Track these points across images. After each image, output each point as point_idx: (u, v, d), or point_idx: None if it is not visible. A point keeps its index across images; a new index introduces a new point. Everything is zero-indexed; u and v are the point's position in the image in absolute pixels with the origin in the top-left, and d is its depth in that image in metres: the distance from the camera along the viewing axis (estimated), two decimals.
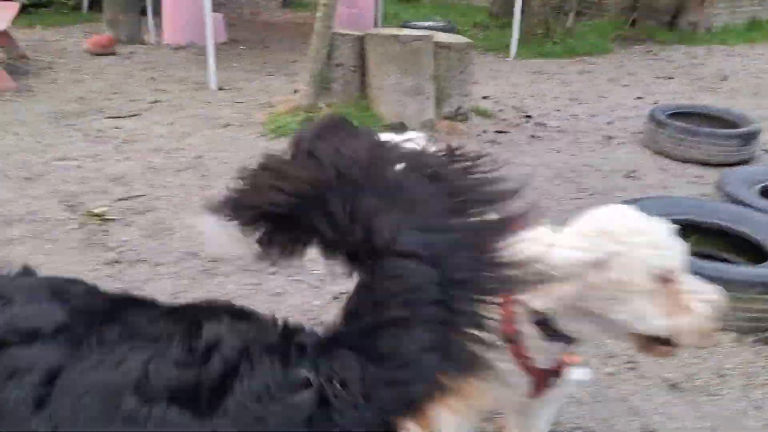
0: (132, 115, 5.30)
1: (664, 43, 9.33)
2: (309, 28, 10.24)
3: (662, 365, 2.38)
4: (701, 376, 2.34)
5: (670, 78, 7.40)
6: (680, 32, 9.71)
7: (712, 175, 4.45)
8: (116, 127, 4.98)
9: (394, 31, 4.99)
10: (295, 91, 6.08)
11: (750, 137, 4.65)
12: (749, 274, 2.59)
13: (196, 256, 3.15)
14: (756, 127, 4.71)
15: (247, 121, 5.19)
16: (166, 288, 2.88)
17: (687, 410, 2.16)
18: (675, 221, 3.11)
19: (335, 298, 2.84)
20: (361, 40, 4.96)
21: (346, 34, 4.95)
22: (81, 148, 4.51)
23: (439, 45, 5.01)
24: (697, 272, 2.63)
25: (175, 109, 5.56)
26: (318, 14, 4.80)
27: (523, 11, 8.07)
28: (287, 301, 2.80)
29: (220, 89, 6.22)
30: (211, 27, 6.06)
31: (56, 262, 3.01)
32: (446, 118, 5.20)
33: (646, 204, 3.19)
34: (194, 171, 4.17)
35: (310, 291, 2.90)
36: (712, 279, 2.56)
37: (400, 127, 4.93)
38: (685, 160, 4.70)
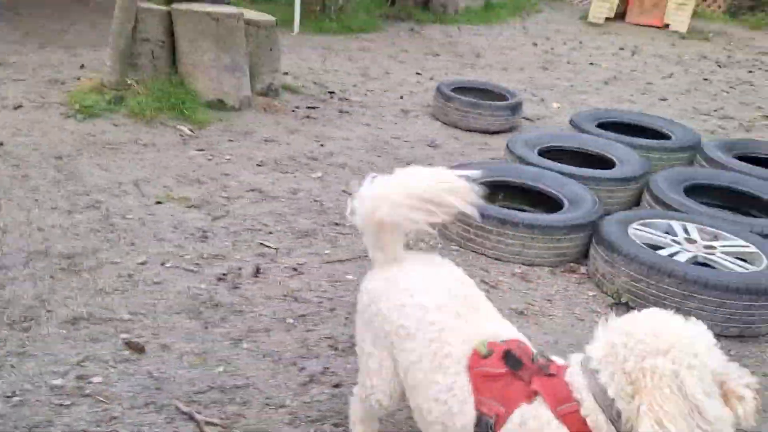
0: None
1: (422, 22, 10.38)
2: None
3: (507, 299, 2.99)
4: (536, 303, 3.01)
5: (437, 55, 8.37)
6: (433, 12, 10.89)
7: (493, 141, 5.34)
8: None
9: (203, 6, 4.89)
10: (82, 66, 5.60)
11: (517, 108, 5.65)
12: (555, 220, 3.33)
13: (47, 255, 2.93)
14: (520, 99, 5.73)
15: (43, 102, 4.67)
16: (28, 291, 2.66)
17: (535, 329, 2.79)
18: (489, 182, 3.77)
19: (219, 279, 2.92)
20: (168, 15, 4.78)
21: (152, 9, 4.72)
22: None
23: (248, 22, 5.07)
24: (516, 221, 3.28)
25: None
26: None
27: None
28: (172, 289, 2.80)
29: None
30: None
31: None
32: (259, 94, 5.30)
33: (471, 168, 3.81)
34: (2, 160, 3.71)
35: (191, 275, 2.92)
36: (529, 226, 3.25)
37: (220, 105, 4.94)
38: (470, 130, 5.53)
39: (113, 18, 4.59)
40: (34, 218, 3.19)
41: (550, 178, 3.79)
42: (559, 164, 4.03)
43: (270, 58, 5.35)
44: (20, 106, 4.56)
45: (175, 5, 4.80)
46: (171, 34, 4.83)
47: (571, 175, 3.82)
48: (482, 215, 3.24)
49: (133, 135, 4.35)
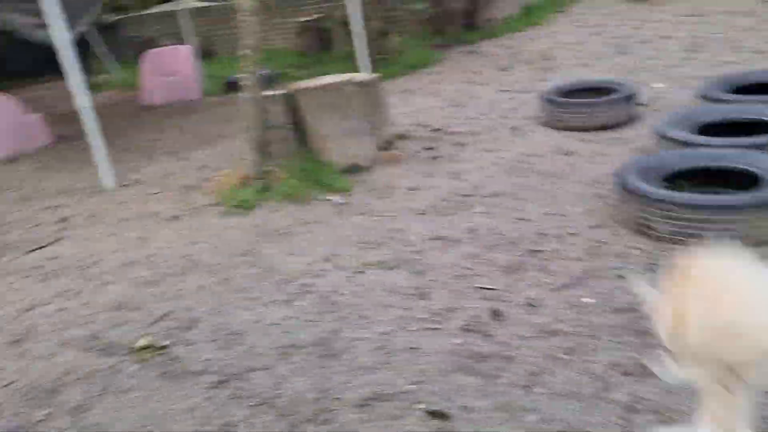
0: (56, 240, 4.64)
1: (472, 42, 10.47)
2: (124, 106, 9.66)
3: None
4: None
5: (508, 68, 8.39)
6: (479, 30, 10.97)
7: (624, 134, 5.27)
8: (53, 258, 4.33)
9: (317, 82, 5.07)
10: (202, 167, 5.81)
11: (632, 98, 5.56)
12: None
13: (296, 346, 2.98)
14: (632, 87, 5.65)
15: (193, 208, 4.85)
16: (303, 385, 2.69)
17: None
18: (670, 174, 3.65)
19: (465, 330, 2.92)
20: (289, 97, 4.95)
21: (274, 95, 4.90)
22: (35, 291, 3.87)
23: (358, 84, 5.19)
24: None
25: (94, 220, 4.97)
26: (242, 83, 4.68)
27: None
28: (430, 350, 2.80)
29: (121, 186, 5.69)
30: (92, 124, 5.49)
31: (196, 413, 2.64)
32: (381, 149, 5.39)
33: (648, 162, 3.74)
34: (199, 272, 3.84)
35: (437, 334, 2.92)
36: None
37: (355, 168, 5.04)
38: (587, 129, 5.46)
39: (243, 113, 4.77)
40: (261, 315, 3.27)
41: (733, 155, 3.68)
42: (726, 139, 3.93)
43: (382, 112, 5.45)
44: (176, 217, 4.75)
45: (296, 86, 4.97)
46: (294, 113, 4.98)
47: (754, 146, 3.70)
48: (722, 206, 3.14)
49: (294, 217, 4.45)
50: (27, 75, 13.08)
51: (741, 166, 3.56)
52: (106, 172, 5.63)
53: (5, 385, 2.91)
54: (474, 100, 7.10)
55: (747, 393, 1.28)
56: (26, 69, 13.40)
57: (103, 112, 9.30)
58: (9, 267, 4.29)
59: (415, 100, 7.45)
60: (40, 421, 2.63)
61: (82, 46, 11.34)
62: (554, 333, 2.81)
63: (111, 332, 3.28)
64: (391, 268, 3.59)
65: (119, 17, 15.12)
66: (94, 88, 11.94)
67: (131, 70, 11.18)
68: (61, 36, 5.20)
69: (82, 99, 5.36)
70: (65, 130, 8.47)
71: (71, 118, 9.22)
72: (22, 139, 7.91)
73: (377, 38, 9.40)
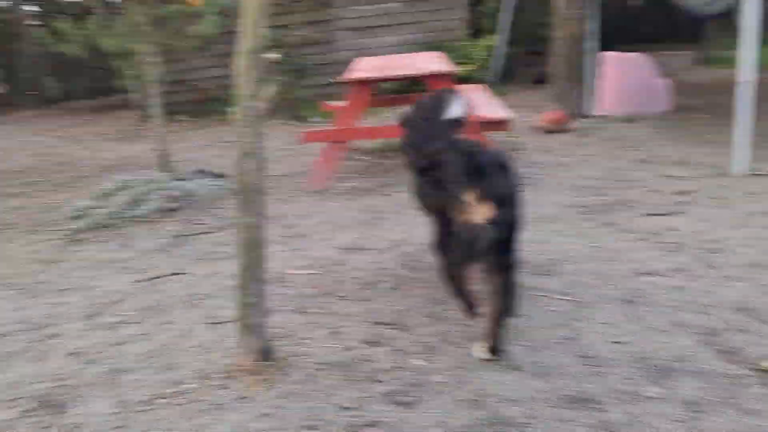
0: (674, 212, 4.48)
1: None
2: (763, 88, 8.51)
3: None
4: None
5: None
6: None
7: None
8: (670, 229, 4.17)
9: None
10: None
11: None
12: None
13: None
14: None
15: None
16: None
17: None
18: None
19: None
20: None
21: None
22: (651, 258, 3.77)
23: None
24: None
25: (718, 203, 4.58)
26: None
27: None
28: None
29: (751, 174, 5.08)
30: (746, 102, 4.98)
31: None
32: None
33: None
34: None
35: None
36: None
37: None
38: None
39: None
40: None
41: None
42: None
43: None
44: None
45: None
46: None
47: None
48: None
49: None
50: (651, 40, 13.25)
51: None
52: (741, 156, 5.10)
53: (613, 342, 2.90)
54: None
55: None
56: (652, 34, 13.64)
57: (712, 90, 8.62)
58: (627, 224, 4.34)
59: None
60: (649, 397, 2.50)
61: (726, 15, 10.70)
62: None
63: (731, 335, 2.88)
64: None
65: None
66: (713, 61, 11.24)
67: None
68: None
69: (746, 72, 4.90)
70: (685, 100, 8.28)
71: (692, 89, 8.97)
72: (644, 101, 8.07)
73: None
